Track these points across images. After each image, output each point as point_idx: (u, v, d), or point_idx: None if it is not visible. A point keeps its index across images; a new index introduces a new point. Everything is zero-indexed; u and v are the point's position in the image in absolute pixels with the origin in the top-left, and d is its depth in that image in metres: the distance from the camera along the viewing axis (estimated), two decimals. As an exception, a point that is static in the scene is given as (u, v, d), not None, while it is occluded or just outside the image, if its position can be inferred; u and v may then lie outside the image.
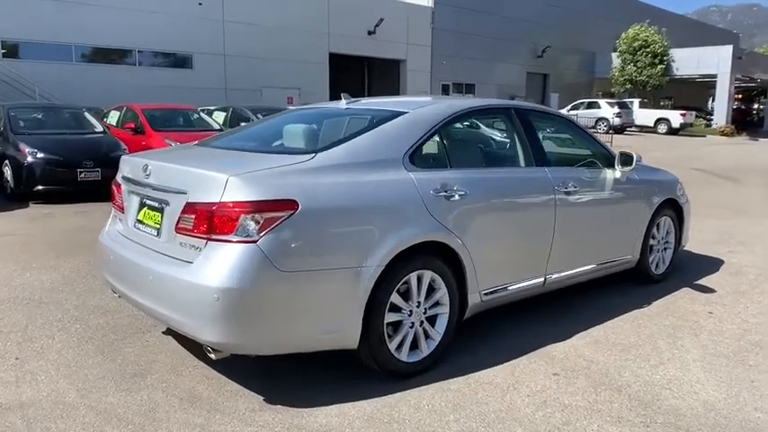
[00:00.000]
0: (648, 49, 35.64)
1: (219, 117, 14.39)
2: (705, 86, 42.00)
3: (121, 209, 3.48)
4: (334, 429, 2.72)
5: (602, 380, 3.25)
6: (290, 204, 2.76)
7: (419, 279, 3.20)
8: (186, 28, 22.82)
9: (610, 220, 4.50)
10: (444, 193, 3.29)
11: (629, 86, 36.53)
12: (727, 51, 35.61)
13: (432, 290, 3.29)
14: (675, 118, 32.13)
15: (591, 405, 2.98)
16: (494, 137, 5.09)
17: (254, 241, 2.69)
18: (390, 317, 3.09)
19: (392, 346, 3.12)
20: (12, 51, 19.77)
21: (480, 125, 5.41)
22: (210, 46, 23.69)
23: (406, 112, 3.54)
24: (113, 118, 12.65)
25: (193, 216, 2.82)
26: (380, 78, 32.09)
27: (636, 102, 33.13)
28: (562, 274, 4.10)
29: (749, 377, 3.33)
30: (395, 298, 3.09)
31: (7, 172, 9.23)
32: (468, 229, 3.38)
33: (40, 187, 8.87)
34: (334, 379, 3.20)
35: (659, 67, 35.60)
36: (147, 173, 3.20)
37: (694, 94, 44.70)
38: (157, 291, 2.96)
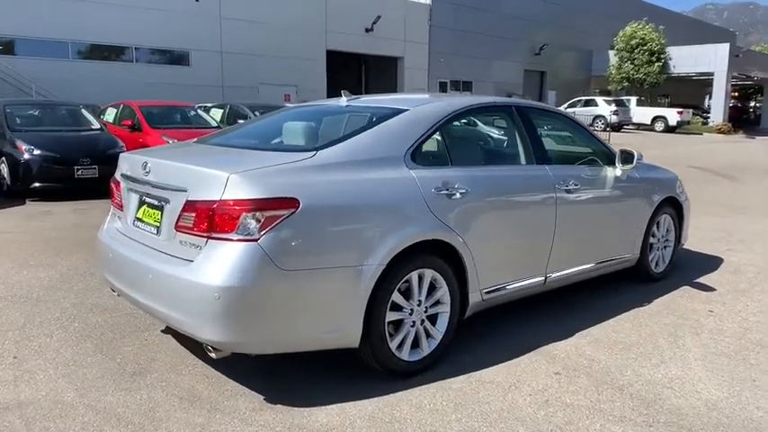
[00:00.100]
0: (645, 47, 35.71)
1: (217, 114, 14.34)
2: (702, 84, 42.13)
3: (120, 206, 3.45)
4: (335, 429, 2.70)
5: (604, 379, 3.24)
6: (291, 202, 2.74)
7: (420, 278, 3.19)
8: (183, 25, 22.77)
9: (610, 218, 4.50)
10: (445, 192, 3.27)
11: (626, 84, 36.59)
12: (724, 49, 35.68)
13: (433, 288, 3.28)
14: (672, 116, 32.25)
15: (593, 404, 2.97)
16: (494, 134, 5.07)
17: (255, 240, 2.67)
18: (391, 316, 3.08)
19: (393, 344, 3.10)
20: (8, 48, 19.70)
21: (480, 123, 5.38)
22: (208, 43, 23.64)
23: (407, 110, 3.51)
24: (110, 115, 12.59)
25: (194, 214, 2.80)
26: (378, 76, 32.04)
27: (633, 99, 33.17)
28: (563, 272, 4.09)
29: (751, 376, 3.33)
30: (396, 297, 3.08)
31: (4, 169, 9.18)
32: (470, 228, 3.36)
33: (36, 184, 8.83)
34: (335, 378, 3.18)
35: (656, 64, 35.67)
36: (147, 170, 3.17)
37: (691, 92, 44.85)
38: (157, 289, 2.94)
